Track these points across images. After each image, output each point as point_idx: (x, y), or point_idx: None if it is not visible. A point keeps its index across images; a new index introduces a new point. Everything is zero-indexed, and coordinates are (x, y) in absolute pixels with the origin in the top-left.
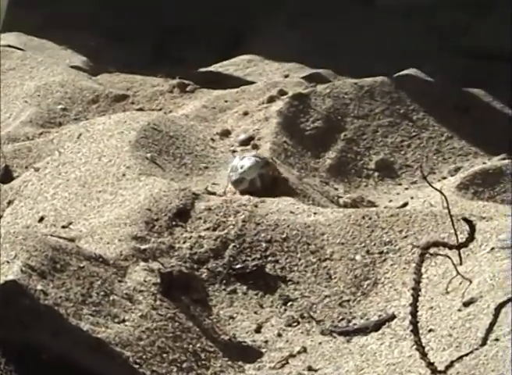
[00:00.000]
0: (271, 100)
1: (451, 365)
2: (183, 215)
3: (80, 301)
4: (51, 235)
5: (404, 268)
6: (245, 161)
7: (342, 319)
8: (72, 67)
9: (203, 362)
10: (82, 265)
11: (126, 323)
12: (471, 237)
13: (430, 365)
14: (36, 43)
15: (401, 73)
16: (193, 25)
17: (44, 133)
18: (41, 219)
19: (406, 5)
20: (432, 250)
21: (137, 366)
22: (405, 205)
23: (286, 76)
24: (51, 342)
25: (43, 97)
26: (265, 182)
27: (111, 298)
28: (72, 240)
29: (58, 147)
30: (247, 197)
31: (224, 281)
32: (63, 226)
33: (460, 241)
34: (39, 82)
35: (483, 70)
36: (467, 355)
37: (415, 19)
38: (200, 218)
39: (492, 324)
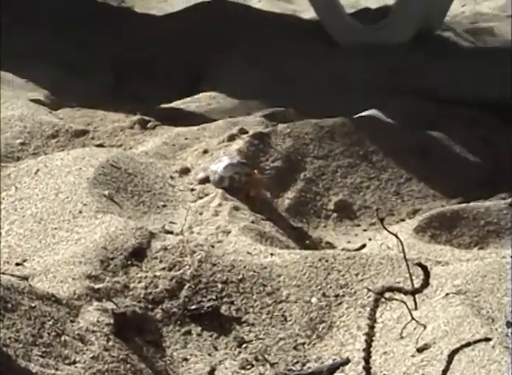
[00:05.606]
0: (231, 138)
1: None
2: (138, 254)
3: (30, 342)
4: (4, 273)
5: (360, 312)
6: (220, 163)
7: (296, 363)
8: (32, 101)
9: None
10: (34, 304)
11: (77, 365)
12: (426, 283)
13: None
14: None
15: (361, 114)
16: (153, 61)
17: (2, 167)
18: None
19: (368, 44)
20: (387, 295)
21: None
22: (363, 247)
23: (248, 114)
24: None
25: (1, 131)
26: (242, 180)
27: (62, 338)
28: (25, 278)
29: (15, 182)
30: (203, 237)
31: (178, 322)
32: (17, 264)
33: (415, 285)
34: None
35: (443, 113)
36: None
37: (377, 59)
38: (156, 257)
39: (444, 371)
